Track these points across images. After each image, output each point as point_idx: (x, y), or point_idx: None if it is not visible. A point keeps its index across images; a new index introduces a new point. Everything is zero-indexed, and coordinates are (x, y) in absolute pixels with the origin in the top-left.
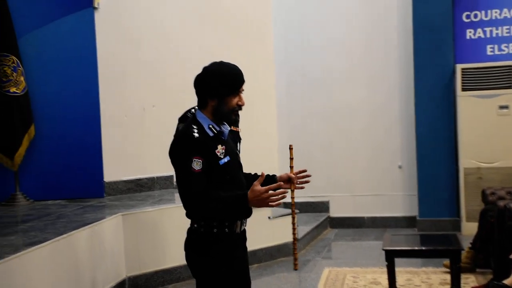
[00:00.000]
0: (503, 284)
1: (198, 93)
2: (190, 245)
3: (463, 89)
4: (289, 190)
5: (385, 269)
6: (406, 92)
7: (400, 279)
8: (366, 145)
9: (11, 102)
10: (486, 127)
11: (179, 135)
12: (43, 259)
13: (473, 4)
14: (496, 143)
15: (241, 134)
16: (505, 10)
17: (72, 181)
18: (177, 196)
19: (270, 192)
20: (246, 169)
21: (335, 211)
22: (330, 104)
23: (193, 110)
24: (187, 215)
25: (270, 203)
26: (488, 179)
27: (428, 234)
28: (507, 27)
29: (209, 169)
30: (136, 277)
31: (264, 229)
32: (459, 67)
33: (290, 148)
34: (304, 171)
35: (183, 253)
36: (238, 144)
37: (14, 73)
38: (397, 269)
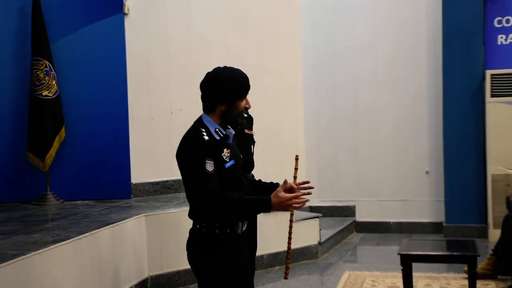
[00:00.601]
0: None
1: (206, 97)
2: (192, 245)
3: (492, 95)
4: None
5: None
6: (434, 97)
7: (419, 284)
8: (393, 150)
9: (43, 105)
10: None
11: (188, 138)
12: (65, 257)
13: (505, 9)
14: None
15: (255, 137)
16: None
17: (101, 182)
18: None
19: (294, 199)
20: (272, 172)
21: (361, 216)
22: (357, 108)
23: None
24: (190, 216)
25: (292, 208)
26: None
27: (446, 240)
28: None
29: (217, 171)
30: (158, 276)
31: (286, 232)
32: (488, 73)
33: (296, 159)
34: (307, 182)
35: None
36: (252, 146)
37: (47, 77)
38: (417, 274)
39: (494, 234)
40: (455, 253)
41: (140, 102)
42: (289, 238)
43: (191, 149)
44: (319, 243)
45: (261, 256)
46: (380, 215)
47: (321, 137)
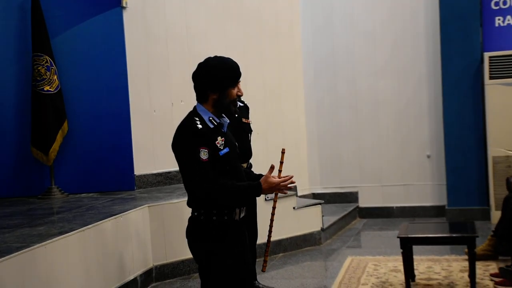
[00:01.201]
0: (509, 268)
1: (198, 87)
2: (191, 232)
3: (491, 77)
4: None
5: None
6: (434, 81)
7: (420, 267)
8: (395, 135)
9: (45, 100)
10: None
11: (182, 128)
12: (70, 248)
13: None
14: None
15: (252, 126)
16: None
17: (104, 175)
18: None
19: (282, 183)
20: (273, 161)
21: (364, 201)
22: (358, 95)
23: None
24: (188, 204)
25: (281, 190)
26: None
27: (446, 223)
28: None
29: (211, 159)
30: (163, 266)
31: (289, 219)
32: (487, 55)
33: (282, 152)
34: (291, 177)
35: None
36: (249, 135)
37: (48, 72)
38: (419, 257)
39: (496, 216)
40: (454, 235)
41: (141, 95)
42: (270, 232)
43: (185, 138)
44: (322, 229)
45: (264, 243)
46: (382, 200)
47: (323, 125)
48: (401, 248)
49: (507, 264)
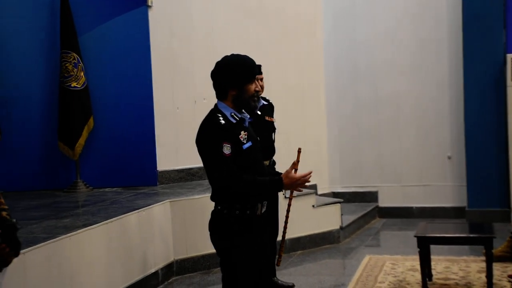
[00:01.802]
0: None
1: (217, 84)
2: (214, 225)
3: None
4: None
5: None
6: (456, 82)
7: (438, 267)
8: (415, 136)
9: (72, 96)
10: None
11: (205, 124)
12: (94, 240)
13: None
14: None
15: (276, 125)
16: None
17: (128, 170)
18: None
19: (302, 178)
20: (294, 158)
21: (384, 201)
22: (378, 95)
23: None
24: (212, 198)
25: (299, 188)
26: None
27: (464, 223)
28: None
29: (234, 153)
30: (184, 260)
31: (308, 217)
32: (509, 56)
33: (298, 151)
34: (310, 172)
35: None
36: (273, 133)
37: (75, 69)
38: (437, 257)
39: None
40: (471, 235)
41: (165, 92)
42: (285, 228)
43: (209, 133)
44: (341, 228)
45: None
46: (402, 201)
47: (343, 124)
48: (418, 247)
49: None
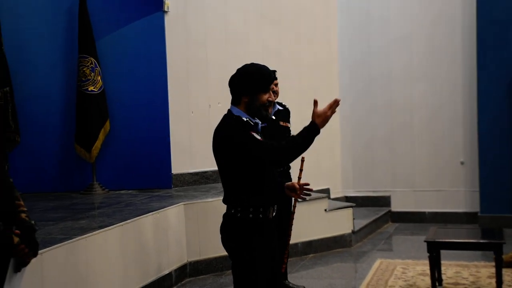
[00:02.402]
0: None
1: (232, 91)
2: (227, 228)
3: None
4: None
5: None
6: (469, 87)
7: (449, 272)
8: (428, 141)
9: (89, 100)
10: None
11: (228, 124)
12: (109, 241)
13: None
14: None
15: (292, 130)
16: None
17: (143, 173)
18: None
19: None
20: (308, 162)
21: (397, 206)
22: (392, 100)
23: None
24: (224, 201)
25: (302, 196)
26: None
27: (475, 228)
28: None
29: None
30: (197, 262)
31: (320, 220)
32: None
33: (302, 160)
34: (308, 184)
35: None
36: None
37: (92, 73)
38: (447, 262)
39: None
40: (481, 241)
41: (180, 96)
42: (288, 235)
43: (237, 129)
44: (353, 232)
45: (296, 244)
46: (415, 205)
47: (357, 128)
48: (428, 252)
49: None
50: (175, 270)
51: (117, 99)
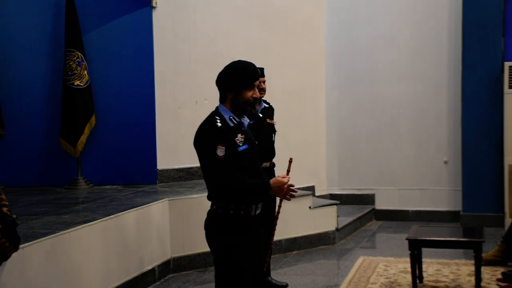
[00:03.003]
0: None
1: (218, 88)
2: (209, 224)
3: (510, 87)
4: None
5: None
6: (454, 88)
7: (430, 269)
8: (412, 140)
9: (75, 94)
10: None
11: (203, 126)
12: (92, 236)
13: None
14: None
15: (276, 127)
16: None
17: (128, 168)
18: None
19: (291, 187)
20: (295, 160)
21: (381, 204)
22: (377, 98)
23: None
24: (208, 198)
25: (287, 196)
26: None
27: (456, 227)
28: None
29: (230, 155)
30: (180, 258)
31: (305, 218)
32: (507, 64)
33: (290, 161)
34: (293, 185)
35: None
36: (273, 135)
37: (79, 68)
38: (429, 260)
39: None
40: (461, 239)
41: (167, 92)
42: (272, 235)
43: (205, 135)
44: (337, 229)
45: (279, 241)
46: (399, 204)
47: (342, 126)
48: (409, 249)
49: (509, 269)
50: (159, 266)
51: (103, 94)
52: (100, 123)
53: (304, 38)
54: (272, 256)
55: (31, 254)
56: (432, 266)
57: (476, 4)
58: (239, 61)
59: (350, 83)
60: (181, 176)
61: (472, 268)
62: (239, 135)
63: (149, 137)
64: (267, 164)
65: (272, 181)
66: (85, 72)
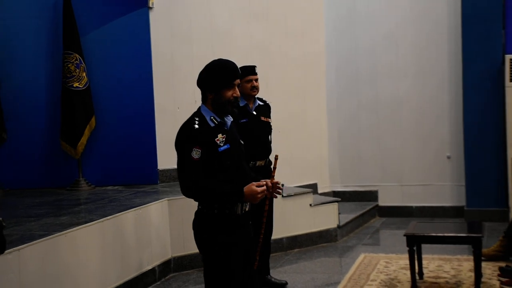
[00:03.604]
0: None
1: (199, 88)
2: (197, 225)
3: None
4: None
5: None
6: (455, 82)
7: (431, 265)
8: (415, 135)
9: (74, 96)
10: None
11: (182, 127)
12: (89, 238)
13: None
14: None
15: (273, 125)
16: None
17: (129, 169)
18: None
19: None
20: (296, 157)
21: (384, 200)
22: (379, 94)
23: None
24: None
25: (275, 194)
26: None
27: (457, 223)
28: None
29: (210, 157)
30: (181, 257)
31: (306, 215)
32: (508, 57)
33: (276, 158)
34: (279, 182)
35: None
36: (269, 134)
37: (77, 70)
38: (430, 256)
39: None
40: (459, 234)
41: (166, 92)
42: (261, 233)
43: (182, 137)
44: (338, 226)
45: (280, 239)
46: (402, 200)
47: (344, 124)
48: (407, 245)
49: (507, 264)
50: (159, 266)
51: (102, 95)
52: (100, 124)
53: (304, 36)
54: (273, 255)
55: (27, 256)
56: (433, 262)
57: None
58: (219, 59)
59: (351, 80)
60: None
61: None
62: (220, 135)
63: (149, 137)
64: (261, 163)
65: (246, 188)
66: (84, 74)
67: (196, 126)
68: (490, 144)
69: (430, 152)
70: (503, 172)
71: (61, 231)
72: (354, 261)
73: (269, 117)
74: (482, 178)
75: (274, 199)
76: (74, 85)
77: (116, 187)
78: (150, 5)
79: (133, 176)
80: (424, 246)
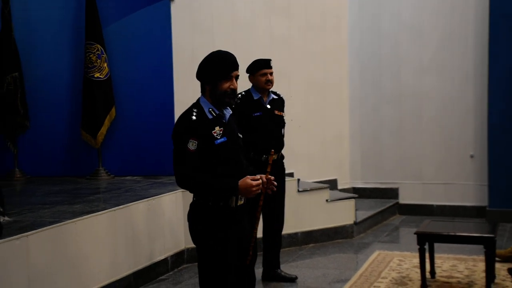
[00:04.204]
0: None
1: (198, 79)
2: (190, 216)
3: None
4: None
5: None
6: (481, 80)
7: (445, 265)
8: (438, 133)
9: (95, 86)
10: None
11: (179, 118)
12: (99, 226)
13: None
14: None
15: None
16: None
17: (148, 159)
18: None
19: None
20: (316, 154)
21: (404, 198)
22: (401, 91)
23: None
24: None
25: (269, 190)
26: None
27: (469, 222)
28: None
29: (206, 149)
30: (194, 249)
31: (322, 211)
32: None
33: (271, 154)
34: (273, 178)
35: None
36: (283, 128)
37: (99, 60)
38: (445, 255)
39: None
40: (471, 234)
41: (185, 84)
42: (255, 228)
43: (179, 128)
44: (355, 223)
45: (295, 234)
46: (423, 198)
47: (366, 119)
48: (418, 244)
49: None
50: (172, 256)
51: (123, 86)
52: (120, 115)
53: (326, 29)
54: (287, 249)
55: (35, 242)
56: (448, 261)
57: None
58: (218, 51)
59: (374, 75)
60: None
61: None
62: (217, 128)
63: (169, 128)
64: (275, 156)
65: (241, 182)
66: (105, 65)
67: (194, 117)
68: None
69: (452, 150)
70: None
71: (71, 219)
72: (367, 258)
73: (283, 111)
74: (506, 177)
75: (285, 194)
76: (95, 76)
77: (135, 177)
78: None
79: (152, 167)
80: (441, 246)
